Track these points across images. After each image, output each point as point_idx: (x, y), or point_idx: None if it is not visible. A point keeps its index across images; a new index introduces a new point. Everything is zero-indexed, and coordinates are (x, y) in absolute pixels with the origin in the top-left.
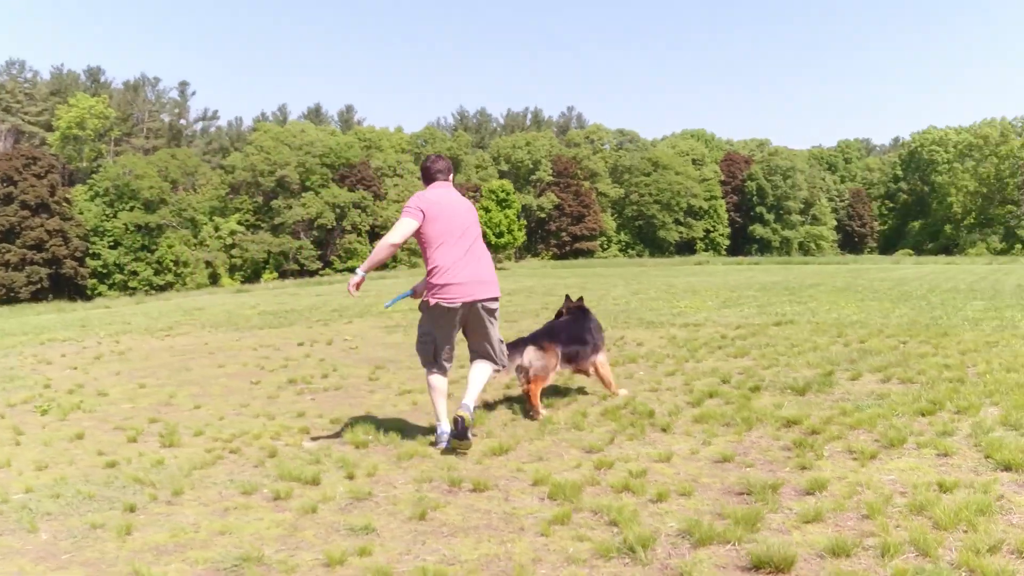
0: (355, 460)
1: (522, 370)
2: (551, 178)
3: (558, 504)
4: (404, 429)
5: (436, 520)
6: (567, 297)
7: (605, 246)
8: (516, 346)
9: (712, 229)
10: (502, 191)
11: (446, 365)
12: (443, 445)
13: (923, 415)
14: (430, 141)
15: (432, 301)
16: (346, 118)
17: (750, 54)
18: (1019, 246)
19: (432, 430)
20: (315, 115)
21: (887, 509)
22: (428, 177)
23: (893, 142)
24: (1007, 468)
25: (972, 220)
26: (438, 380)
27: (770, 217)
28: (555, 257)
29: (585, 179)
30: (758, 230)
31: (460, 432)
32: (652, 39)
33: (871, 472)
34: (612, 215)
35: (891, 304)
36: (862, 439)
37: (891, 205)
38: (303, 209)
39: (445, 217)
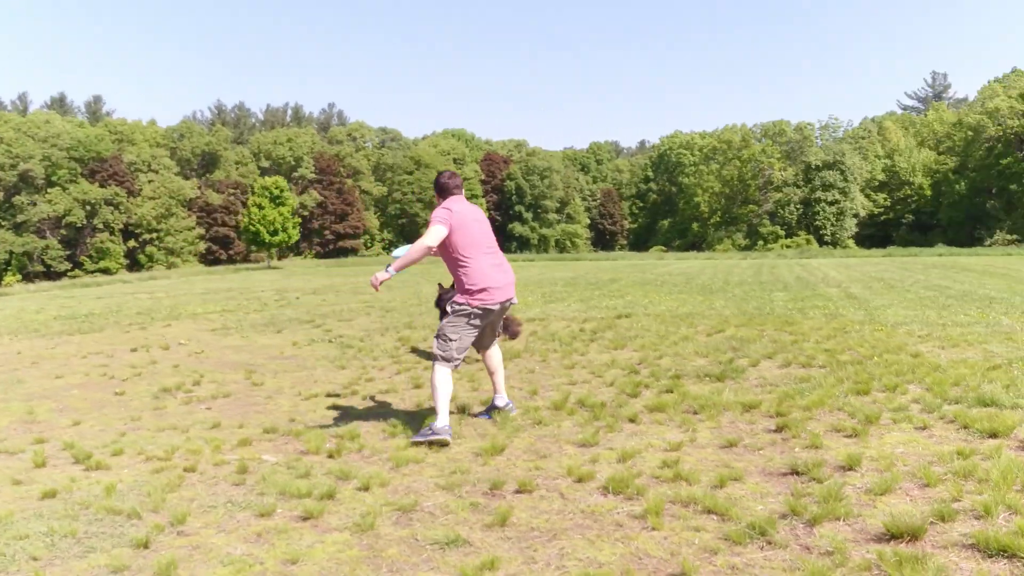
0: (346, 470)
1: (511, 328)
2: (314, 175)
3: (627, 498)
4: (359, 434)
5: (520, 525)
6: (440, 285)
7: (369, 244)
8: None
9: None
10: (276, 188)
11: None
12: (445, 436)
13: (859, 394)
14: (187, 135)
15: (475, 303)
16: (94, 109)
17: (506, 57)
18: (761, 242)
19: (380, 431)
20: (59, 105)
21: (941, 477)
22: (446, 191)
23: (639, 145)
24: (994, 435)
25: (718, 219)
26: (451, 378)
27: (528, 216)
28: (319, 256)
29: (348, 177)
30: (517, 228)
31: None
32: (410, 39)
33: (882, 447)
34: (375, 213)
35: (704, 296)
36: (835, 418)
37: (641, 204)
38: (49, 206)
39: (469, 226)
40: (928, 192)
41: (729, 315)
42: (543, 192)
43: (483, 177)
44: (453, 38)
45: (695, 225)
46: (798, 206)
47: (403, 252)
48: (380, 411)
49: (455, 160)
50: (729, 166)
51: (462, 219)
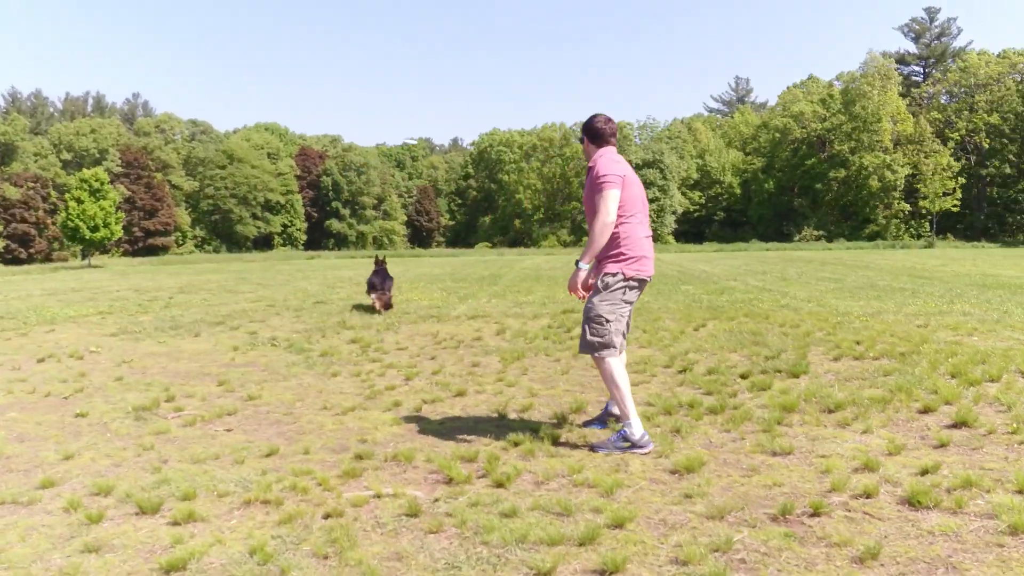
0: (563, 503)
1: (383, 294)
2: (120, 169)
3: (953, 512)
4: (496, 455)
5: (884, 558)
6: (376, 258)
7: (180, 242)
8: (383, 281)
9: (290, 224)
10: (96, 180)
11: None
12: (649, 448)
13: (971, 385)
14: None
15: (630, 272)
16: None
17: (318, 50)
18: (585, 238)
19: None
20: None
21: None
22: (602, 139)
23: (453, 142)
24: None
25: (541, 215)
26: (623, 366)
27: (346, 212)
28: (127, 254)
29: (157, 171)
30: (335, 225)
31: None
32: (220, 29)
33: None
34: (187, 209)
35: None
36: (984, 409)
37: (460, 201)
38: None
39: (632, 186)
40: (738, 191)
41: (677, 308)
42: (360, 188)
43: (298, 172)
44: (264, 28)
45: (517, 222)
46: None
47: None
48: (464, 424)
49: (269, 155)
50: (551, 163)
51: (629, 178)
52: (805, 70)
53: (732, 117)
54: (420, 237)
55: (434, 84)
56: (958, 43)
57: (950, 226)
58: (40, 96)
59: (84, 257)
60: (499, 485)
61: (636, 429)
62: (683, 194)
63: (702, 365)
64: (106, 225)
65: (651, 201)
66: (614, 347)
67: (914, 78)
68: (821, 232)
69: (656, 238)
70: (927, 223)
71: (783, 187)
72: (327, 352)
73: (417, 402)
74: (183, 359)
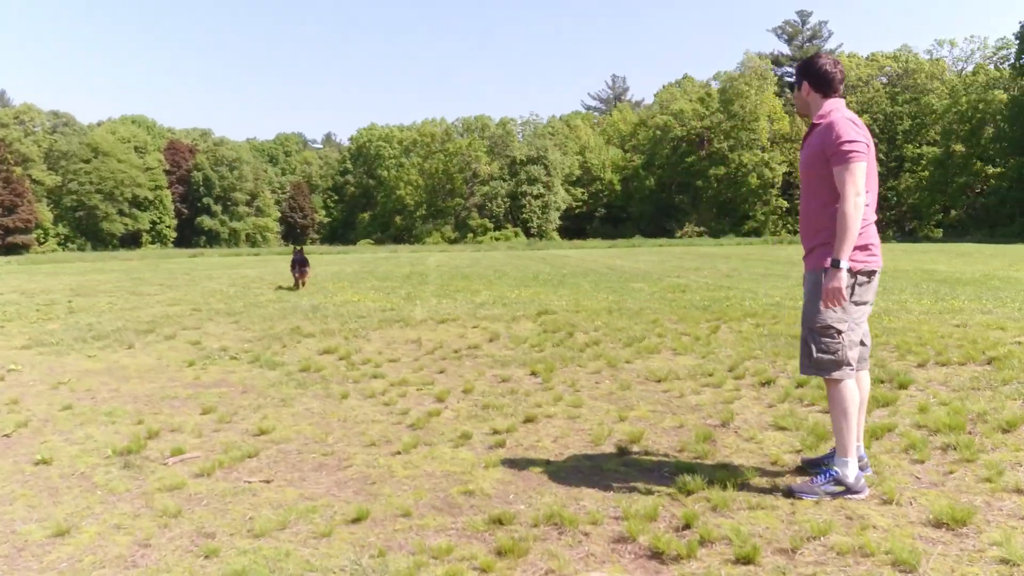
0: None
1: (304, 272)
2: None
3: None
4: (695, 514)
5: None
6: (295, 247)
7: (42, 240)
8: (302, 263)
9: (159, 220)
10: None
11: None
12: (865, 492)
13: None
14: None
15: (858, 266)
16: None
17: (185, 39)
18: (470, 235)
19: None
20: None
21: None
22: (831, 87)
23: (326, 137)
24: None
25: (424, 212)
26: (856, 389)
27: (218, 208)
28: None
29: (16, 164)
30: (206, 222)
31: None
32: (83, 16)
33: None
34: (49, 206)
35: (563, 288)
36: None
37: (337, 198)
38: None
39: (871, 158)
40: (618, 188)
41: (663, 308)
42: (232, 184)
43: (167, 167)
44: (128, 15)
45: (398, 218)
46: (505, 199)
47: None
48: (579, 463)
49: (136, 148)
50: (432, 159)
51: (871, 146)
52: (680, 70)
53: (610, 115)
54: (294, 234)
55: (306, 78)
56: (829, 45)
57: None
58: None
59: None
60: (746, 560)
61: (852, 469)
62: (566, 191)
63: (776, 376)
64: None
65: (536, 197)
66: (849, 365)
67: (788, 79)
68: (702, 228)
69: (540, 234)
70: None
71: (664, 184)
72: (308, 367)
73: (485, 432)
74: (132, 378)
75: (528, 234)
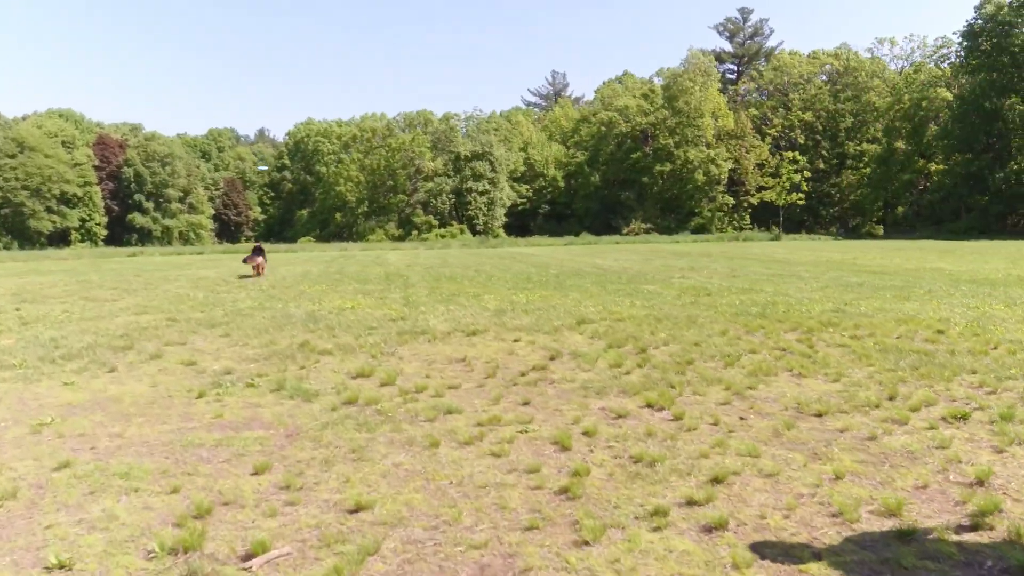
0: None
1: (259, 264)
2: None
3: None
4: None
5: None
6: (255, 245)
7: None
8: (257, 253)
9: (88, 218)
10: None
11: None
12: None
13: None
14: None
15: None
16: None
17: (116, 31)
18: (415, 232)
19: None
20: None
21: None
22: None
23: (260, 133)
24: None
25: (365, 208)
26: None
27: (150, 205)
28: None
29: None
30: (138, 219)
31: None
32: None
33: None
34: None
35: (576, 292)
36: None
37: (273, 194)
38: None
39: None
40: (562, 184)
41: (709, 314)
42: (165, 180)
43: (97, 163)
44: (53, 5)
45: (338, 215)
46: (450, 196)
47: None
48: (870, 560)
49: (64, 143)
50: (374, 155)
51: None
52: (619, 67)
53: (552, 111)
54: (228, 232)
55: (238, 71)
56: (770, 43)
57: (764, 219)
58: None
59: None
60: None
61: None
62: (511, 187)
63: (961, 406)
64: None
65: (482, 194)
66: None
67: (728, 76)
68: (649, 225)
69: (486, 231)
70: (747, 216)
71: (609, 181)
72: (353, 397)
73: (677, 502)
74: (133, 416)
75: (474, 231)
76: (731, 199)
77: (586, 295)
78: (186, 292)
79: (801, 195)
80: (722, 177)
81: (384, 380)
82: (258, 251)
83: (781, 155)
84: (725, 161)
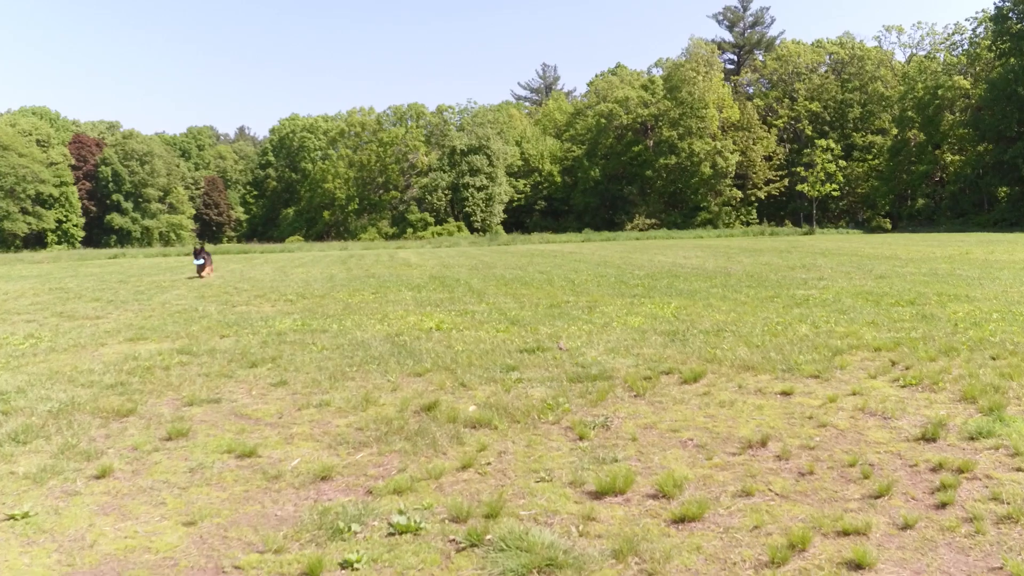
0: None
1: (205, 266)
2: None
3: None
4: None
5: None
6: (198, 244)
7: None
8: (201, 253)
9: (65, 219)
10: None
11: None
12: None
13: None
14: None
15: None
16: None
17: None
18: (410, 230)
19: None
20: None
21: None
22: None
23: (240, 131)
24: None
25: (356, 206)
26: None
27: (128, 206)
28: None
29: None
30: (117, 219)
31: None
32: None
33: None
34: None
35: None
36: None
37: (257, 193)
38: None
39: None
40: (558, 179)
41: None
42: (144, 179)
43: (73, 162)
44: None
45: (327, 213)
46: (446, 192)
47: None
48: None
49: (39, 142)
50: (364, 150)
51: None
52: (611, 59)
53: (545, 104)
54: (210, 232)
55: (217, 69)
56: (772, 32)
57: (772, 213)
58: None
59: None
60: None
61: None
62: (508, 183)
63: None
64: None
65: (480, 189)
66: None
67: (728, 67)
68: (652, 220)
69: (484, 228)
70: (755, 210)
71: (609, 175)
72: (658, 569)
73: None
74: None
75: (472, 228)
76: (739, 193)
77: (736, 305)
78: (191, 305)
79: (835, 186)
80: (729, 170)
81: (668, 514)
82: (202, 252)
83: (787, 146)
84: (732, 153)
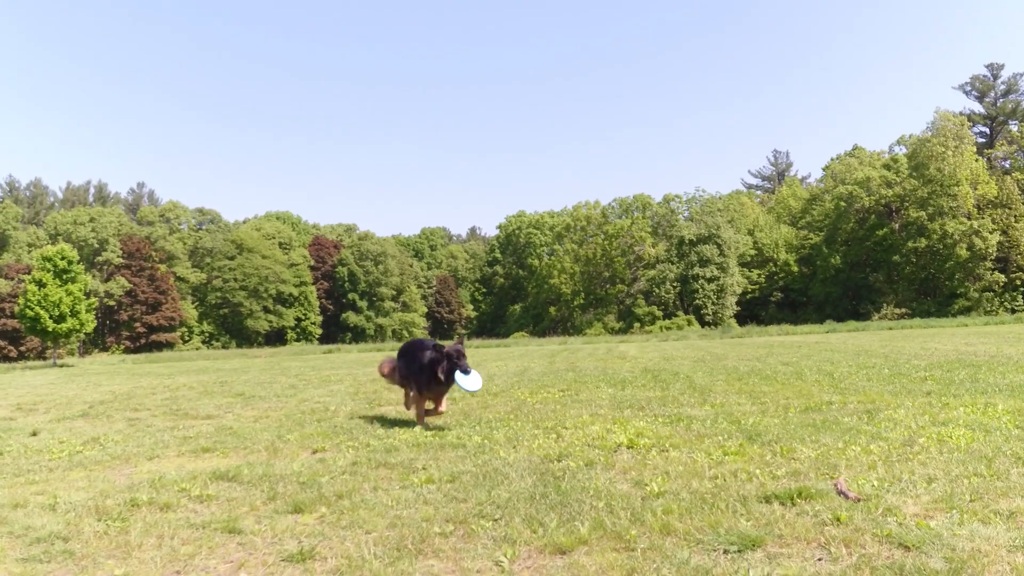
0: None
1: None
2: (121, 260)
3: None
4: None
5: None
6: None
7: (187, 337)
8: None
9: (304, 317)
10: (61, 258)
11: None
12: None
13: None
14: None
15: None
16: None
17: (330, 137)
18: (637, 324)
19: None
20: None
21: None
22: None
23: (471, 231)
24: None
25: (581, 300)
26: None
27: (363, 304)
28: (128, 351)
29: (161, 262)
30: (352, 318)
31: None
32: (229, 116)
33: None
34: (193, 303)
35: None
36: None
37: (485, 290)
38: None
39: None
40: (795, 268)
41: None
42: (378, 279)
43: (312, 263)
44: (276, 115)
45: (552, 309)
46: (674, 284)
47: None
48: None
49: (281, 244)
50: (589, 244)
51: None
52: (847, 142)
53: (778, 191)
54: (442, 329)
55: (450, 172)
56: None
57: None
58: (39, 185)
59: (46, 352)
60: None
61: None
62: (741, 273)
63: None
64: (74, 314)
65: (710, 280)
66: None
67: (979, 140)
68: (903, 310)
69: (715, 322)
70: (1020, 295)
71: (851, 262)
72: None
73: None
74: None
75: (702, 322)
76: (1001, 276)
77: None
78: (330, 403)
79: None
80: (989, 252)
81: None
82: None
83: None
84: (991, 233)
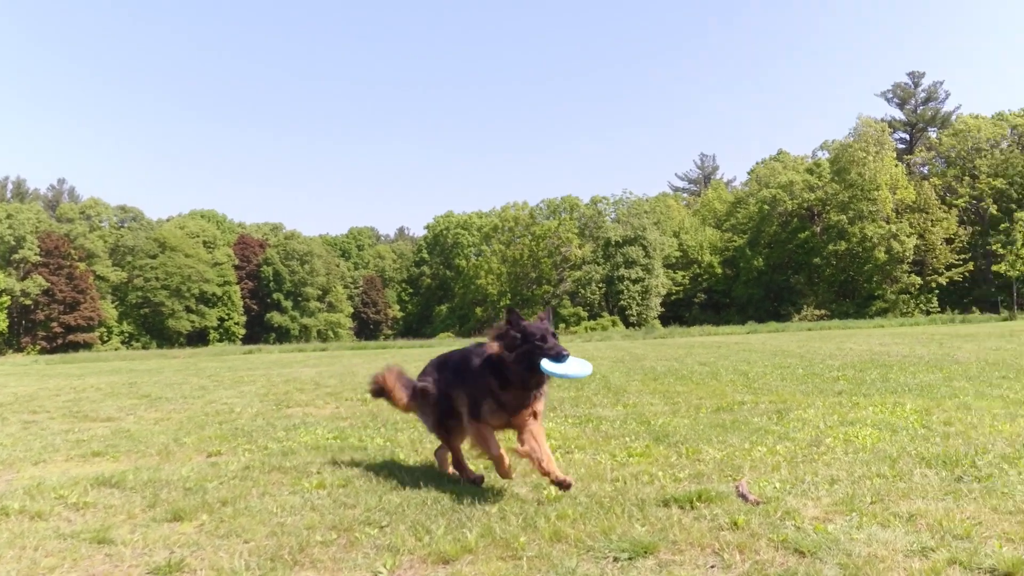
0: None
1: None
2: (39, 258)
3: None
4: None
5: None
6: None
7: (105, 338)
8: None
9: (227, 317)
10: None
11: None
12: None
13: None
14: None
15: None
16: None
17: (255, 135)
18: (562, 324)
19: None
20: None
21: None
22: None
23: (399, 231)
24: None
25: (508, 301)
26: None
27: (288, 304)
28: (44, 352)
29: (81, 260)
30: (276, 318)
31: None
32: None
33: None
34: (113, 302)
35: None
36: None
37: (412, 291)
38: None
39: None
40: (719, 270)
41: None
42: (304, 279)
43: (237, 262)
44: (202, 115)
45: (479, 309)
46: (600, 285)
47: None
48: None
49: (205, 243)
50: (516, 244)
51: None
52: (771, 147)
53: (704, 194)
54: (367, 330)
55: (379, 172)
56: (947, 107)
57: (956, 300)
58: None
59: None
60: None
61: None
62: (665, 274)
63: None
64: None
65: (635, 282)
66: None
67: (900, 146)
68: (822, 311)
69: (639, 323)
70: (935, 297)
71: (773, 264)
72: None
73: None
74: None
75: (627, 323)
76: (918, 279)
77: (1015, 407)
78: (235, 404)
79: None
80: (906, 255)
81: None
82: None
83: (970, 227)
84: (909, 236)
